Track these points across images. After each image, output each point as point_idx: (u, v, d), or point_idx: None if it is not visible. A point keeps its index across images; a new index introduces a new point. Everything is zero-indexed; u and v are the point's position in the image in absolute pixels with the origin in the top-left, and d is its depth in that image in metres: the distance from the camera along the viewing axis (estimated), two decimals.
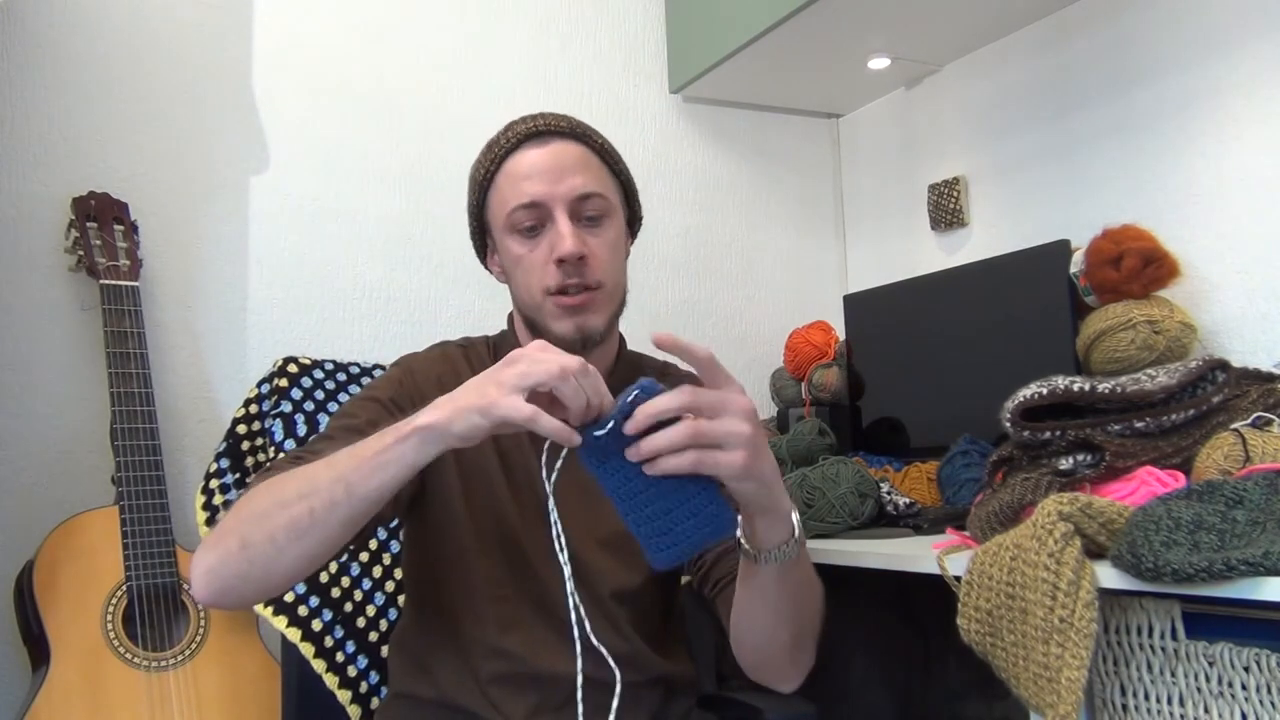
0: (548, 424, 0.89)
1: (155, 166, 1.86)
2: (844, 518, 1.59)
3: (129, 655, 1.54)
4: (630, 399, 0.90)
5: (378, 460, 0.94)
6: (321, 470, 0.97)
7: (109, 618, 1.54)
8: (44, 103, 1.79)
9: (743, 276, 2.44)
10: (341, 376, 1.63)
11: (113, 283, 1.67)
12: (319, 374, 1.62)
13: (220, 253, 1.90)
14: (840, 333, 2.23)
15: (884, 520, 1.66)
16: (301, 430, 1.55)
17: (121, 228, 1.72)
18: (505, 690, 1.17)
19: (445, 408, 0.93)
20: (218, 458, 1.62)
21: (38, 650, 1.53)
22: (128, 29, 1.86)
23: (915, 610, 1.85)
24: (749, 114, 2.48)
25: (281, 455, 1.15)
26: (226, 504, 1.58)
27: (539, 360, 0.91)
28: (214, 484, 1.61)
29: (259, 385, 1.63)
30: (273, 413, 1.56)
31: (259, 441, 1.63)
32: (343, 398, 1.60)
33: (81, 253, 1.69)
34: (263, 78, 1.97)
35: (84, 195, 1.72)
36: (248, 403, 1.63)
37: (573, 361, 0.91)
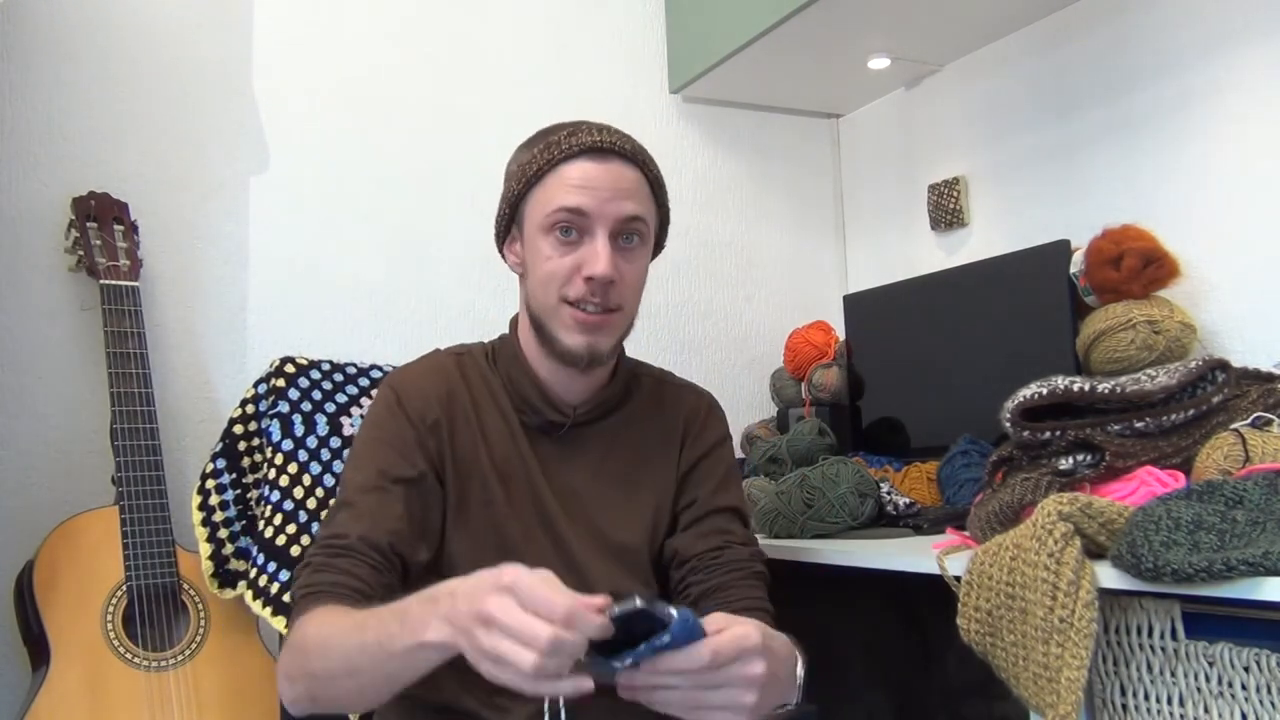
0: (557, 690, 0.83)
1: (155, 166, 1.86)
2: (844, 518, 1.59)
3: (129, 655, 1.54)
4: (661, 642, 0.84)
5: (405, 659, 0.94)
6: (357, 654, 0.97)
7: (109, 618, 1.54)
8: (44, 103, 1.79)
9: (743, 276, 2.43)
10: (338, 377, 1.63)
11: (113, 283, 1.67)
12: (316, 374, 1.62)
13: (220, 253, 1.90)
14: (840, 333, 2.23)
15: (884, 520, 1.66)
16: (299, 430, 1.55)
17: (121, 228, 1.72)
18: (510, 695, 1.17)
19: (450, 627, 0.87)
20: (214, 458, 1.61)
21: (38, 650, 1.53)
22: (128, 29, 1.86)
23: (915, 610, 1.85)
24: (749, 114, 2.48)
25: (313, 552, 1.11)
26: (223, 504, 1.58)
27: (512, 659, 0.80)
28: (210, 484, 1.60)
29: (255, 385, 1.63)
30: (270, 413, 1.56)
31: (255, 442, 1.63)
32: (340, 398, 1.59)
33: (81, 253, 1.69)
34: (263, 78, 1.97)
35: (84, 195, 1.72)
36: (244, 403, 1.62)
37: (544, 639, 0.79)
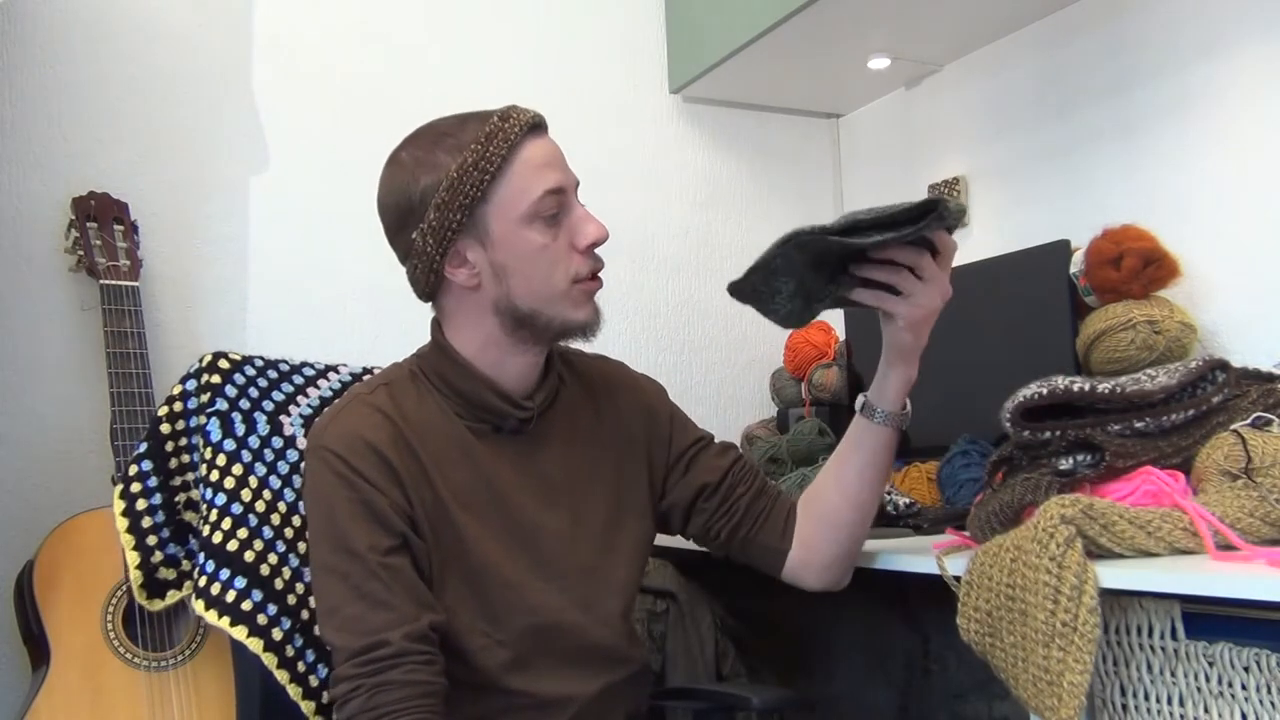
0: None
1: (155, 166, 1.86)
2: None
3: (129, 655, 1.54)
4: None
5: None
6: None
7: (109, 618, 1.54)
8: (44, 103, 1.79)
9: None
10: (272, 374, 1.51)
11: (113, 283, 1.67)
12: (250, 370, 1.50)
13: (220, 253, 1.90)
14: (840, 333, 2.23)
15: (884, 520, 1.65)
16: (240, 430, 1.44)
17: (121, 228, 1.73)
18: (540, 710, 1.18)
19: None
20: (138, 460, 1.48)
21: (38, 650, 1.53)
22: (128, 29, 1.86)
23: (915, 610, 1.85)
24: (749, 114, 2.48)
25: (355, 667, 1.06)
26: (150, 510, 1.46)
27: None
28: (135, 488, 1.46)
29: (183, 382, 1.50)
30: (208, 411, 1.45)
31: (184, 442, 1.50)
32: (277, 396, 1.49)
33: (81, 253, 1.69)
34: (263, 78, 1.97)
35: (84, 195, 1.73)
36: (170, 400, 1.49)
37: None
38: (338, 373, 1.50)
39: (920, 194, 2.28)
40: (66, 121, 1.80)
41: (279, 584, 1.35)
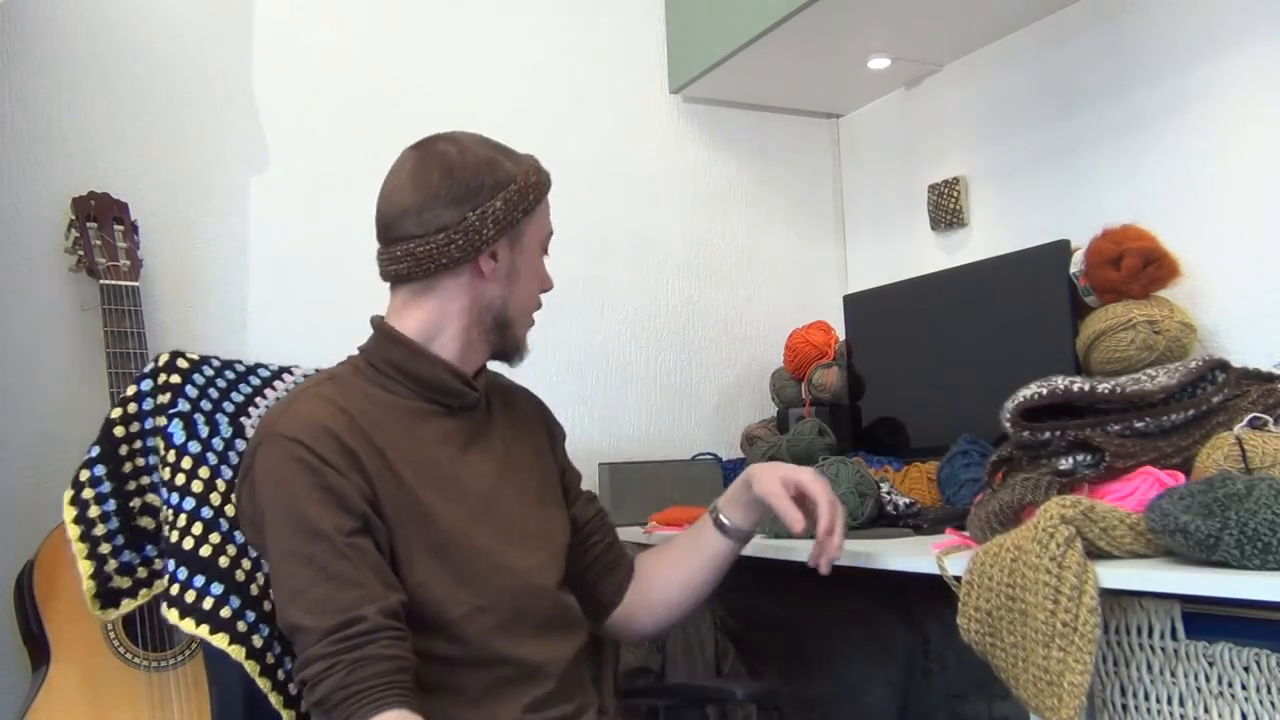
0: None
1: (155, 166, 1.86)
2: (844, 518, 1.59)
3: (129, 655, 1.54)
4: None
5: None
6: None
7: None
8: (44, 103, 1.79)
9: (743, 276, 2.43)
10: (230, 374, 1.48)
11: (113, 283, 1.67)
12: (208, 370, 1.46)
13: (220, 253, 1.90)
14: (840, 333, 2.23)
15: (884, 520, 1.65)
16: (203, 431, 1.39)
17: (121, 228, 1.72)
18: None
19: None
20: (90, 464, 1.41)
21: (38, 650, 1.53)
22: (128, 29, 1.86)
23: (915, 610, 1.85)
24: (749, 114, 2.48)
25: (330, 645, 1.07)
26: (104, 516, 1.40)
27: None
28: (88, 493, 1.39)
29: (138, 383, 1.45)
30: (170, 412, 1.40)
31: (141, 444, 1.44)
32: (236, 397, 1.45)
33: (81, 253, 1.69)
34: (263, 78, 1.97)
35: (84, 195, 1.73)
36: (125, 401, 1.44)
37: None
38: (292, 374, 1.49)
39: (920, 194, 2.28)
40: (66, 121, 1.80)
41: (254, 590, 1.31)
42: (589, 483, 2.10)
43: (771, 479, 1.32)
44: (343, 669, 1.05)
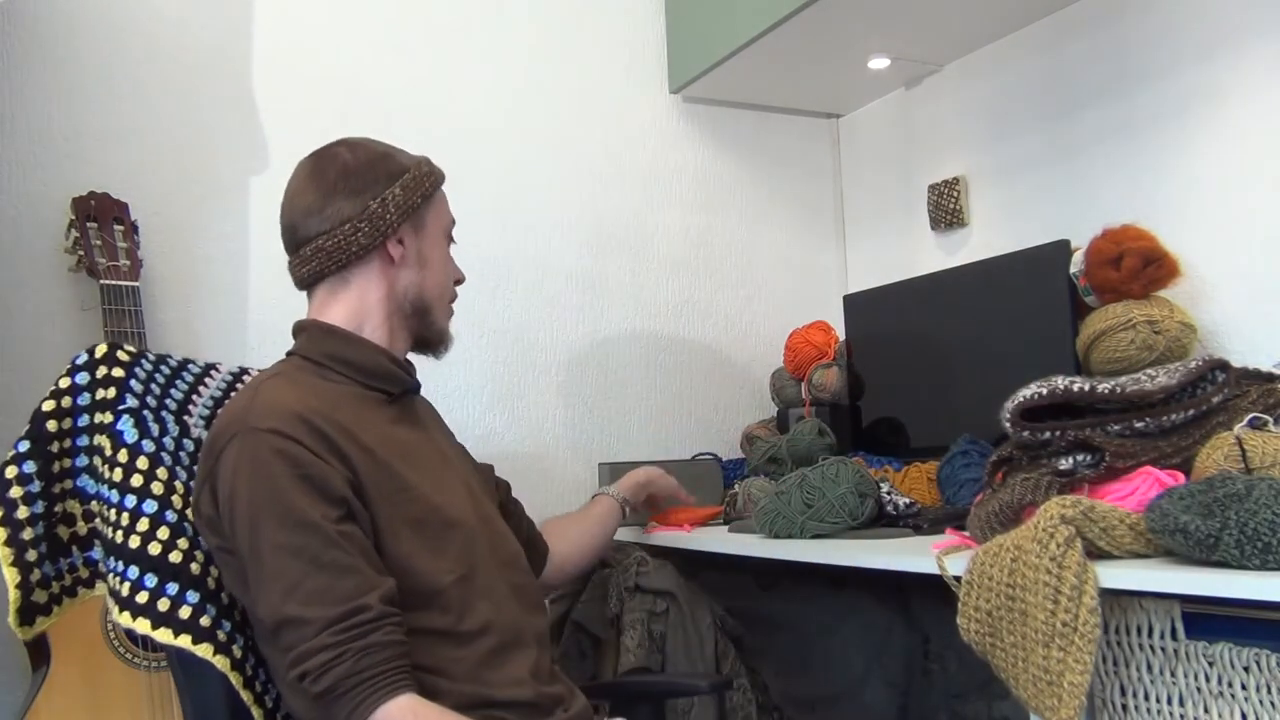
0: None
1: (155, 166, 1.86)
2: (844, 518, 1.59)
3: (129, 655, 1.54)
4: None
5: None
6: None
7: (109, 617, 1.54)
8: (44, 103, 1.79)
9: (743, 276, 2.44)
10: (165, 370, 1.42)
11: (113, 283, 1.67)
12: (146, 365, 1.40)
13: (220, 253, 1.90)
14: (840, 333, 2.23)
15: (884, 520, 1.65)
16: (154, 430, 1.30)
17: (121, 228, 1.72)
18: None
19: None
20: (18, 460, 1.29)
21: (38, 650, 1.53)
22: (128, 29, 1.86)
23: (915, 610, 1.85)
24: (749, 114, 2.48)
25: (337, 633, 1.07)
26: (31, 519, 1.28)
27: None
28: (15, 492, 1.27)
29: (72, 375, 1.35)
30: (120, 408, 1.31)
31: (71, 443, 1.34)
32: (175, 394, 1.39)
33: (81, 253, 1.68)
34: (263, 78, 1.97)
35: (84, 195, 1.72)
36: (59, 394, 1.33)
37: None
38: (219, 371, 1.50)
39: (920, 194, 2.28)
40: (66, 121, 1.80)
41: (225, 598, 1.24)
42: (589, 482, 2.11)
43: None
44: (351, 657, 1.06)
